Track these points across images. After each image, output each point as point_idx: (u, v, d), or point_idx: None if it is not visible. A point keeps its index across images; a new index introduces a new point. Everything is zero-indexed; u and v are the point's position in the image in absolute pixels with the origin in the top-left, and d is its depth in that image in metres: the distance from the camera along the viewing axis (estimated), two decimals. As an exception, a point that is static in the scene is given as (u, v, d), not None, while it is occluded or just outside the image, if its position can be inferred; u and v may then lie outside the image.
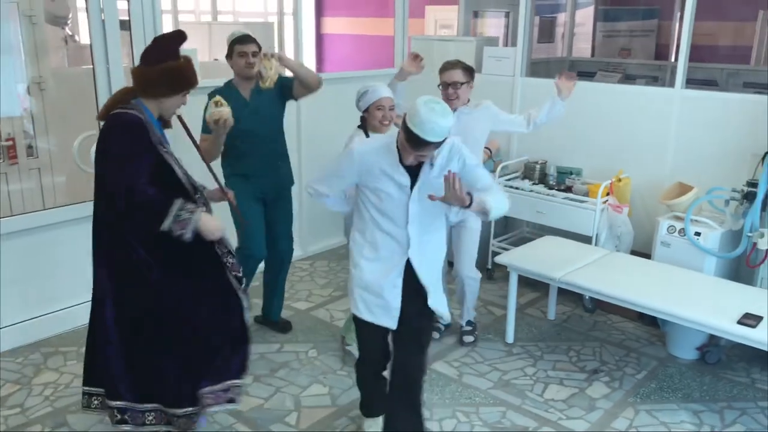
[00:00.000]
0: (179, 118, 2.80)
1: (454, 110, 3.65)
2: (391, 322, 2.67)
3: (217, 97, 3.16)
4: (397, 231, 2.59)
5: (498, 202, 2.60)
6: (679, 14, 7.70)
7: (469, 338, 3.98)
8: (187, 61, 2.70)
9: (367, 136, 3.33)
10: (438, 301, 2.74)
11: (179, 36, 2.69)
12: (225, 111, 3.07)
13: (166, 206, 2.51)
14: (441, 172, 2.51)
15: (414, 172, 2.54)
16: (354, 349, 3.68)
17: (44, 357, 3.75)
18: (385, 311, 2.66)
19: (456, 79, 3.64)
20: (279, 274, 4.08)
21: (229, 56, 3.71)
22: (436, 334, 3.97)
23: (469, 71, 3.71)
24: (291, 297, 4.59)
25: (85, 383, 2.79)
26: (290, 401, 3.39)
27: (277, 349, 3.89)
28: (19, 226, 3.79)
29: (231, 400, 2.81)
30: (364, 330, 2.77)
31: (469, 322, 4.02)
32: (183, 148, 3.00)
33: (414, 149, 2.42)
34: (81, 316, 4.02)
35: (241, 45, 3.65)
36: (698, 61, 7.02)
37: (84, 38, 5.93)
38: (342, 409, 3.34)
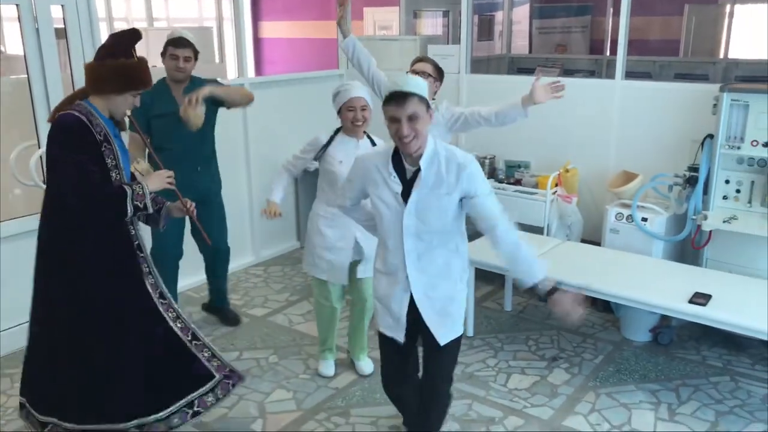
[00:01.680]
0: (130, 118, 2.71)
1: None
2: (398, 335, 2.53)
3: (136, 162, 3.04)
4: (396, 244, 2.43)
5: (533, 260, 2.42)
6: (611, 10, 7.96)
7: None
8: (141, 61, 2.63)
9: (333, 137, 3.30)
10: (437, 324, 2.48)
11: (133, 34, 2.63)
12: (143, 166, 2.98)
13: (123, 193, 2.57)
14: (436, 183, 2.33)
15: (409, 183, 2.37)
16: (364, 365, 3.63)
17: (-10, 381, 3.58)
18: (393, 323, 2.53)
19: (427, 71, 3.51)
20: (215, 265, 4.13)
21: (162, 55, 3.66)
22: None
23: (440, 72, 3.60)
24: (247, 304, 4.51)
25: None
26: (254, 408, 3.33)
27: (236, 357, 3.81)
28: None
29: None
30: (382, 344, 2.65)
31: None
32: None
33: (392, 112, 2.24)
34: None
35: (174, 48, 3.59)
36: (631, 54, 7.29)
37: (10, 49, 5.70)
38: (308, 412, 3.29)
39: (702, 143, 3.88)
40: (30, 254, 2.70)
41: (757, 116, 3.61)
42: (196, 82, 3.72)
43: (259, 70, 10.98)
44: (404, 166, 2.39)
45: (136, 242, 2.72)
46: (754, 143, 3.64)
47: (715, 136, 3.78)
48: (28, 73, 3.84)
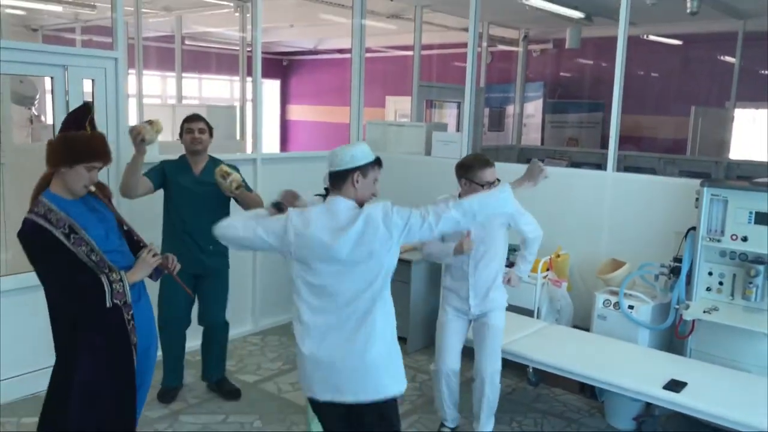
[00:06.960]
0: (94, 193, 2.74)
1: None
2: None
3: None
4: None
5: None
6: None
7: None
8: (94, 134, 2.68)
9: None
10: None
11: (83, 108, 2.79)
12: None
13: (101, 288, 2.62)
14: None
15: None
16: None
17: (-18, 427, 3.70)
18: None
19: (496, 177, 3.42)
20: (213, 338, 4.17)
21: (180, 135, 3.97)
22: None
23: None
24: (240, 370, 4.61)
25: None
26: (231, 470, 3.39)
27: (222, 419, 3.89)
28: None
29: None
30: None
31: None
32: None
33: (377, 174, 2.67)
34: (13, 390, 4.00)
35: (188, 123, 3.90)
36: (640, 150, 7.53)
37: (50, 118, 6.12)
38: (283, 477, 3.35)
39: (686, 235, 4.00)
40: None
41: (736, 211, 3.74)
42: (216, 162, 3.92)
43: (284, 147, 11.73)
44: None
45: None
46: (734, 237, 3.76)
47: (697, 229, 3.90)
48: (55, 140, 4.16)
